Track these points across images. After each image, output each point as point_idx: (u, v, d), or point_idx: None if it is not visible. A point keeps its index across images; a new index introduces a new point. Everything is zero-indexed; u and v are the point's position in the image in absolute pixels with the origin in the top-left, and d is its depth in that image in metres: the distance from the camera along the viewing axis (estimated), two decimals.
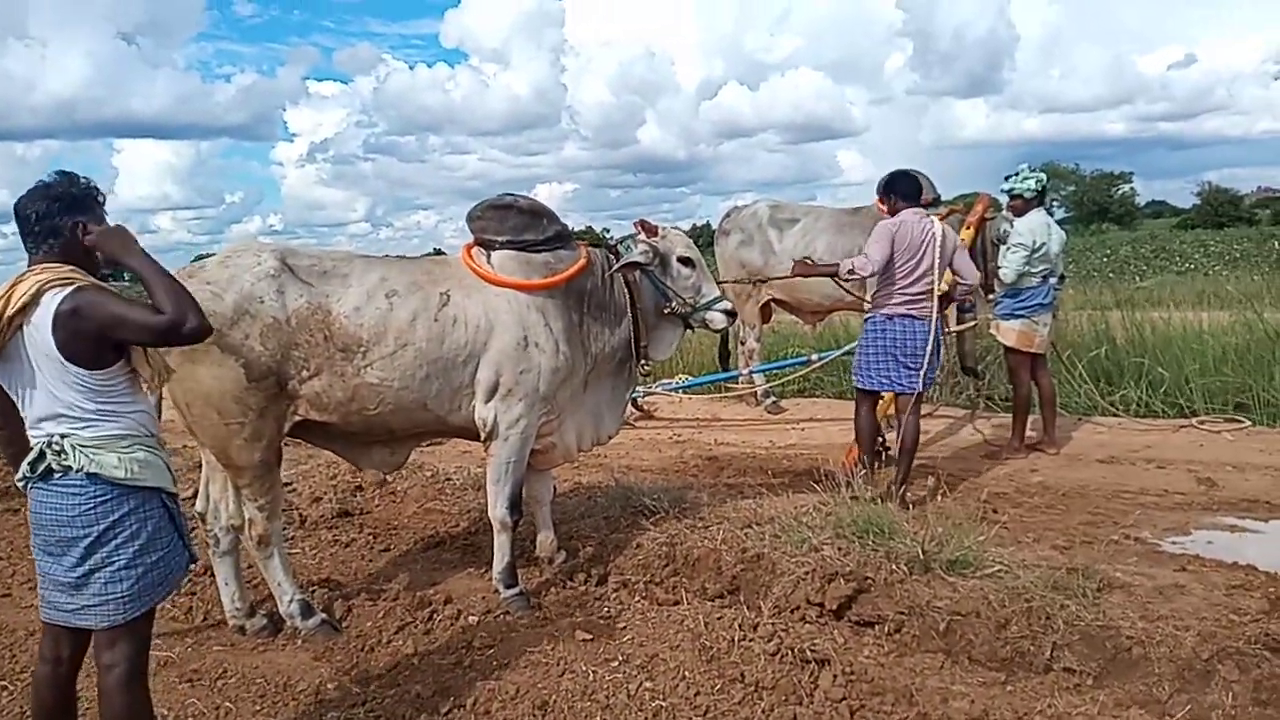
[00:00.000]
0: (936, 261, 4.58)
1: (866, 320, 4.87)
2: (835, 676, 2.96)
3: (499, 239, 3.67)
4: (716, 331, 4.31)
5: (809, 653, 3.06)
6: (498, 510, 3.66)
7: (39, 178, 2.27)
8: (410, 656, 3.29)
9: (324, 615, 3.57)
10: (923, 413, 5.42)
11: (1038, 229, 5.54)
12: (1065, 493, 4.84)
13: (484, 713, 2.91)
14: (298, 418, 3.36)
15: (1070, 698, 2.81)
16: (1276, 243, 25.21)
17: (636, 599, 3.65)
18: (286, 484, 5.45)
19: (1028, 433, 5.81)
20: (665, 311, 3.91)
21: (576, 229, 3.83)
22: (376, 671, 3.22)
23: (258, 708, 3.00)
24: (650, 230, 3.94)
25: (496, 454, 3.60)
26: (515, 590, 3.68)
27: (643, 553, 4.04)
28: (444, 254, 4.01)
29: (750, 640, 3.17)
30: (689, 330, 4.08)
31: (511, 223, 3.67)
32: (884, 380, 4.70)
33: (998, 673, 3.00)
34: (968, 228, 6.01)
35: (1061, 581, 3.23)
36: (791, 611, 3.40)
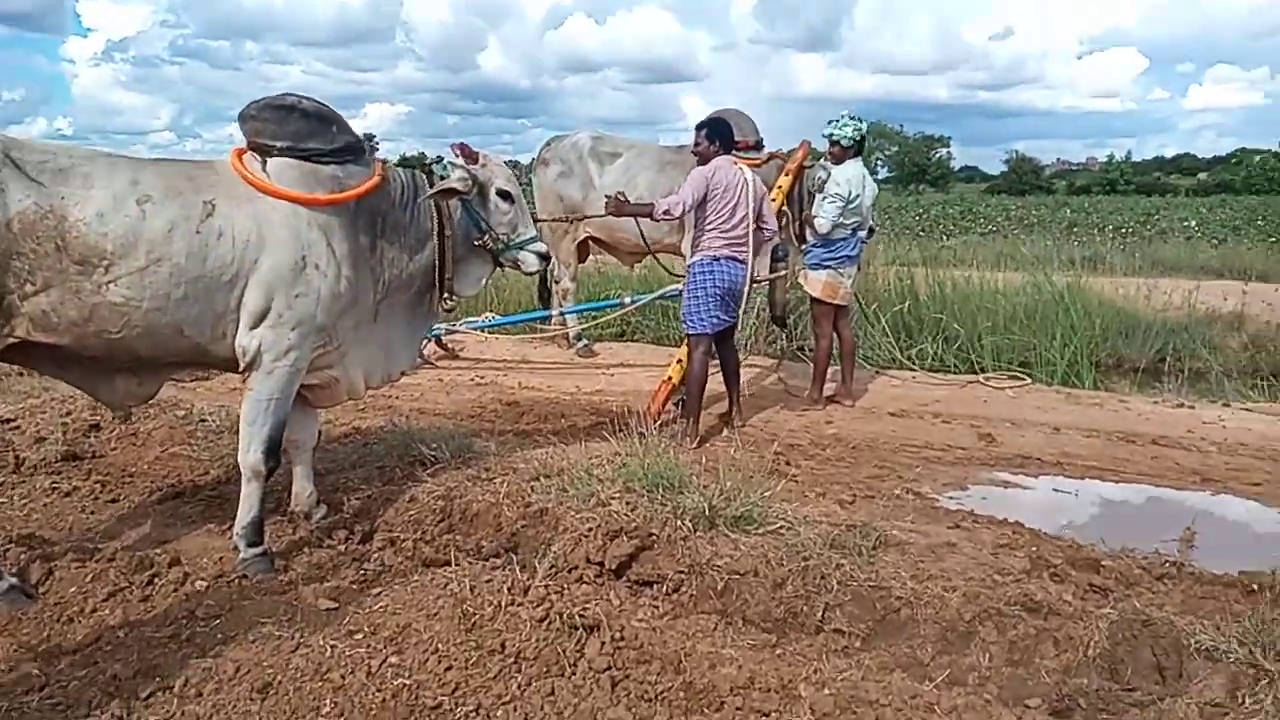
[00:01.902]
0: (751, 206, 4.77)
1: (691, 265, 4.88)
2: (603, 644, 2.74)
3: (277, 144, 3.20)
4: (527, 274, 4.07)
5: (579, 618, 2.82)
6: (251, 455, 3.20)
7: None
8: (116, 629, 2.80)
9: (13, 580, 3.00)
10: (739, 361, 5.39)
11: (854, 179, 5.51)
12: (856, 445, 4.88)
13: (194, 695, 2.48)
14: (13, 339, 2.88)
15: (837, 661, 2.73)
16: (1068, 210, 27.53)
17: (401, 559, 3.31)
18: (8, 420, 4.70)
19: (827, 384, 5.85)
20: (476, 244, 3.59)
21: (409, 155, 3.42)
22: (70, 647, 2.72)
23: None
24: (471, 156, 3.60)
25: (256, 389, 3.16)
26: (259, 550, 3.23)
27: (416, 507, 3.70)
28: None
29: (518, 605, 2.89)
30: (499, 269, 3.81)
31: (293, 127, 3.21)
32: (715, 320, 4.82)
33: (770, 634, 2.90)
34: (786, 174, 5.93)
35: (840, 539, 3.17)
36: (569, 571, 3.18)
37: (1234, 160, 61.67)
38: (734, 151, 5.14)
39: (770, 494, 3.52)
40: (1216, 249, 15.71)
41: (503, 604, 2.90)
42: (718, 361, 5.14)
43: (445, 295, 3.60)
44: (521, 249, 3.66)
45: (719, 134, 4.90)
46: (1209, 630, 2.64)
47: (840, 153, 5.62)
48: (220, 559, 3.28)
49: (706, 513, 3.39)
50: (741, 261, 4.79)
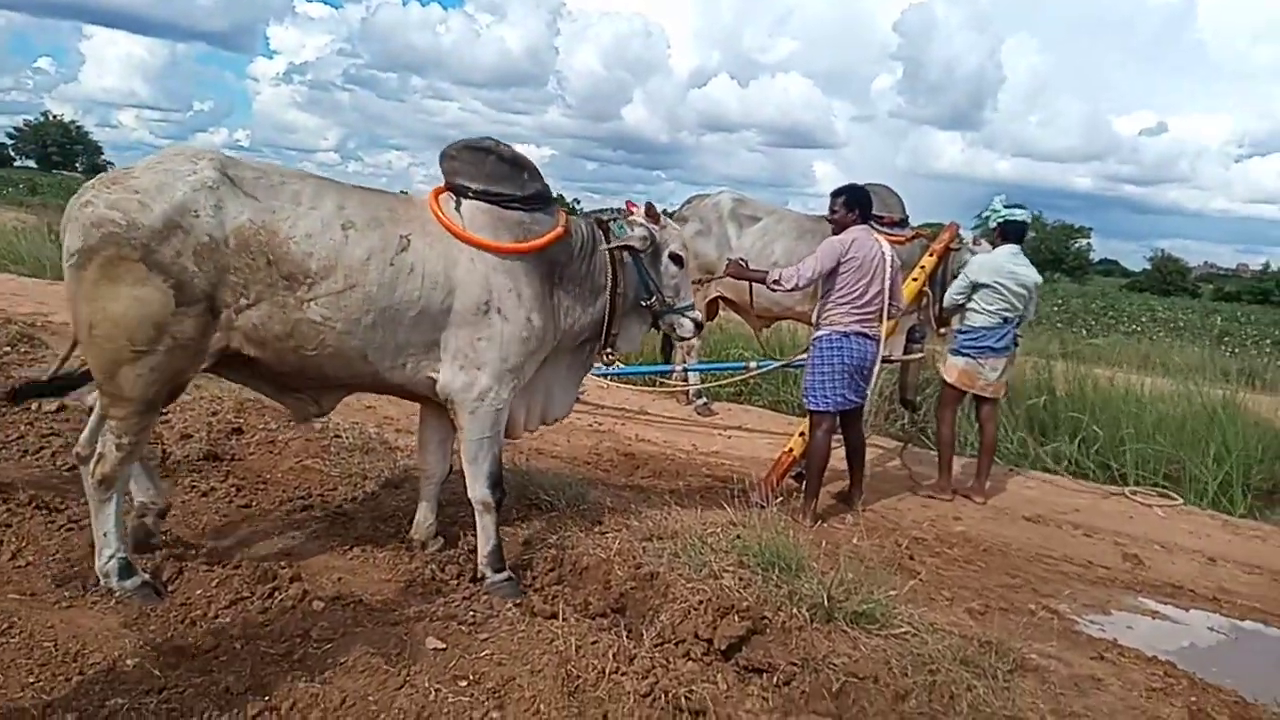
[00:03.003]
0: (887, 281, 4.58)
1: (817, 338, 4.70)
2: None
3: (472, 186, 3.28)
4: (680, 339, 4.07)
5: (685, 700, 2.71)
6: (477, 490, 3.32)
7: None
8: (234, 639, 2.85)
9: (146, 576, 3.10)
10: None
11: (989, 265, 5.26)
12: (987, 548, 4.58)
13: None
14: (228, 352, 2.96)
15: None
16: (1219, 318, 25.82)
17: (509, 606, 3.26)
18: (161, 416, 4.95)
19: (956, 477, 5.55)
20: (643, 304, 3.62)
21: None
22: (190, 651, 2.77)
23: (31, 679, 2.53)
24: (654, 216, 3.65)
25: (467, 430, 3.27)
26: (503, 575, 3.34)
27: (528, 552, 3.67)
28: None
29: (623, 674, 2.80)
30: (654, 329, 3.86)
31: (488, 170, 3.30)
32: (839, 399, 4.62)
33: None
34: (931, 255, 5.74)
35: (972, 656, 2.94)
36: (676, 645, 3.05)
37: None
38: (877, 226, 4.99)
39: (894, 593, 3.32)
40: None
41: (607, 670, 2.82)
42: (841, 439, 4.94)
43: (607, 349, 3.65)
44: (681, 314, 3.69)
45: (858, 202, 4.70)
46: None
47: (995, 237, 5.41)
48: (339, 579, 3.31)
49: (825, 603, 3.22)
50: (873, 338, 4.59)
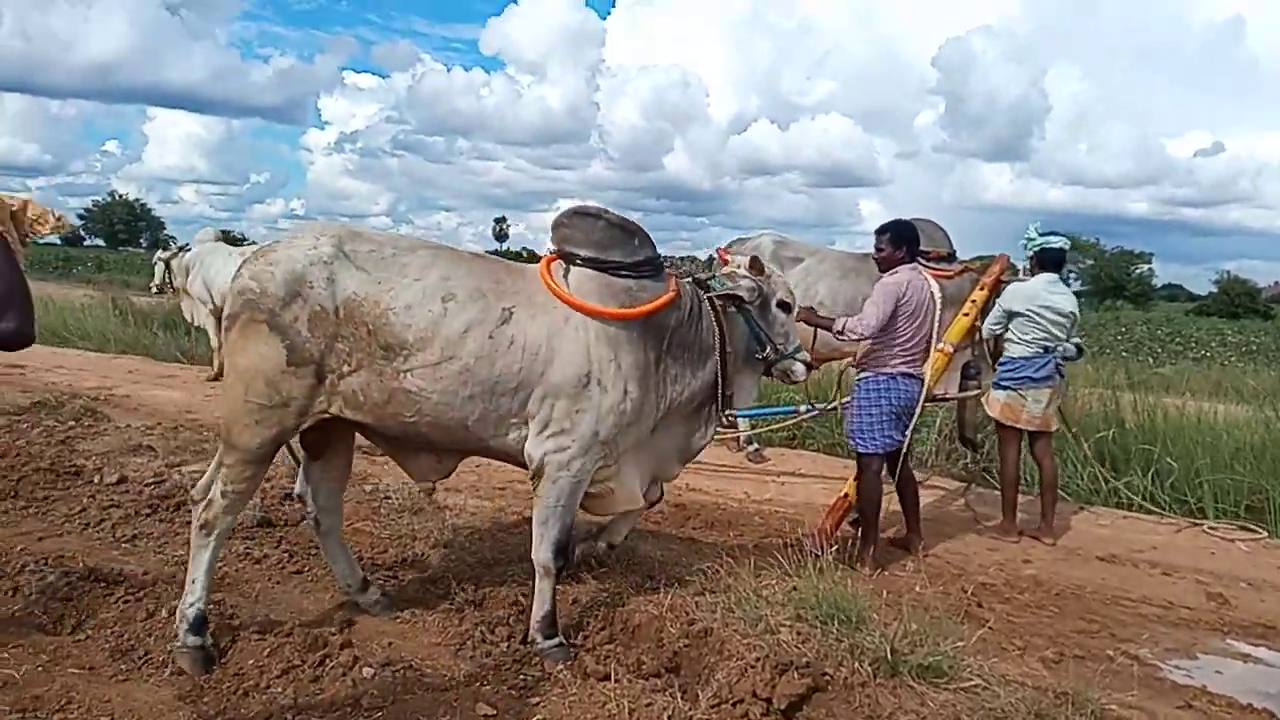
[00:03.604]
0: (935, 322, 4.55)
1: (863, 380, 4.62)
2: None
3: (581, 253, 3.28)
4: (794, 383, 3.95)
5: None
6: (541, 553, 3.27)
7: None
8: (287, 709, 2.83)
9: (210, 642, 3.13)
10: (918, 481, 5.05)
11: (1023, 293, 5.15)
12: (1059, 592, 4.36)
13: None
14: (327, 415, 3.09)
15: None
16: None
17: (560, 668, 3.19)
18: None
19: (1020, 516, 5.33)
20: (757, 357, 3.63)
21: None
22: None
23: None
24: (759, 269, 3.65)
25: (544, 495, 3.24)
26: (554, 641, 3.28)
27: (578, 611, 3.60)
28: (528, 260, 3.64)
29: None
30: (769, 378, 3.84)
31: (598, 236, 3.30)
32: (887, 441, 4.53)
33: None
34: (982, 288, 5.60)
35: (1047, 709, 2.78)
36: (733, 705, 2.94)
37: None
38: (924, 261, 4.90)
39: (962, 644, 3.16)
40: None
41: None
42: (889, 482, 4.78)
43: (725, 410, 3.61)
44: (792, 359, 3.69)
45: (904, 239, 4.59)
46: None
47: (1034, 266, 5.30)
48: (389, 644, 3.29)
49: (888, 656, 3.09)
50: (918, 378, 4.53)
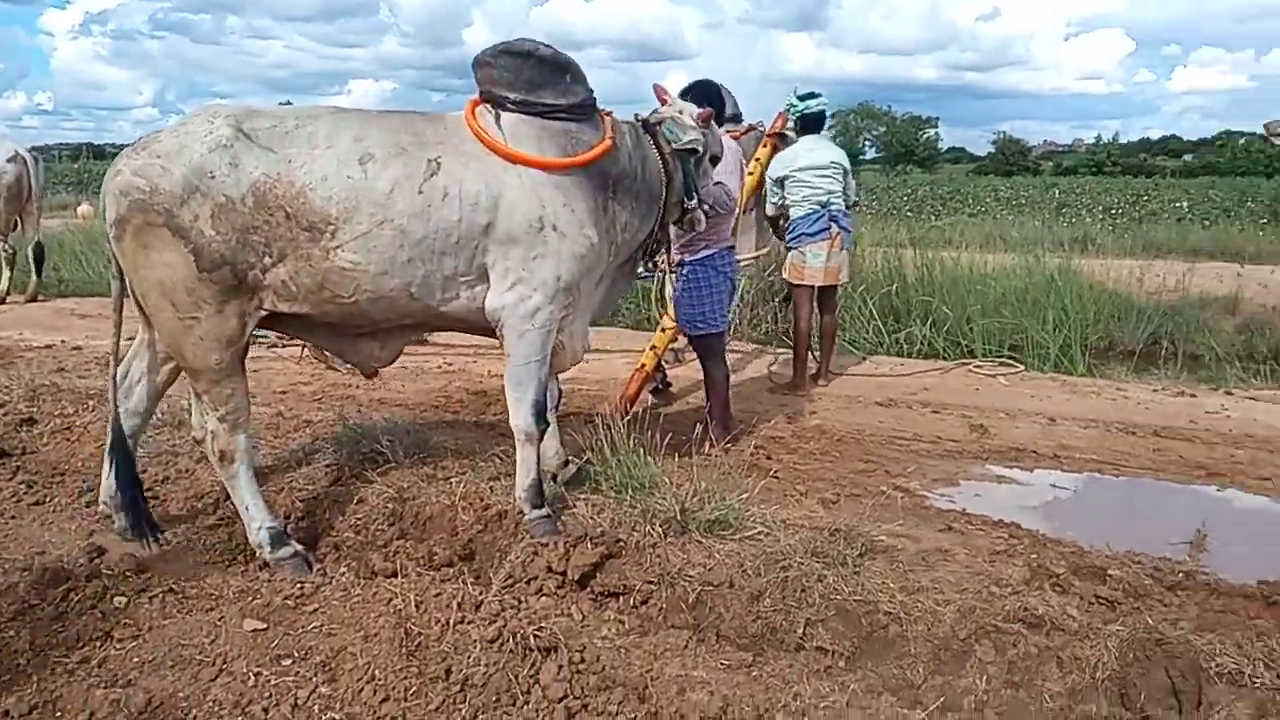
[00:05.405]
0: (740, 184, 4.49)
1: (706, 258, 4.29)
2: (560, 668, 2.48)
3: (511, 96, 3.01)
4: (694, 232, 3.78)
5: (534, 638, 2.56)
6: (519, 418, 3.12)
7: None
8: (19, 653, 2.51)
9: (299, 548, 3.03)
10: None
11: (782, 160, 5.33)
12: (840, 438, 4.62)
13: None
14: (263, 312, 2.85)
15: (819, 683, 2.48)
16: (1056, 191, 27.31)
17: (343, 569, 3.03)
18: None
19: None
20: (688, 209, 3.44)
21: None
22: None
23: None
24: (706, 119, 3.41)
25: (514, 353, 3.06)
26: (542, 512, 3.13)
27: (364, 510, 3.41)
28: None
29: (469, 623, 2.63)
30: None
31: (527, 75, 3.02)
32: (725, 317, 4.40)
33: (745, 653, 2.64)
34: (764, 145, 5.64)
35: (823, 546, 2.90)
36: (528, 583, 2.91)
37: (1219, 143, 61.59)
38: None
39: (748, 495, 3.26)
40: (1208, 230, 15.50)
41: (451, 622, 2.64)
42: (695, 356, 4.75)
43: (647, 260, 3.50)
44: (699, 207, 3.52)
45: (710, 100, 3.99)
46: (1230, 650, 2.39)
47: (798, 130, 5.44)
48: (145, 570, 2.97)
49: (678, 516, 3.13)
50: (734, 248, 4.47)
